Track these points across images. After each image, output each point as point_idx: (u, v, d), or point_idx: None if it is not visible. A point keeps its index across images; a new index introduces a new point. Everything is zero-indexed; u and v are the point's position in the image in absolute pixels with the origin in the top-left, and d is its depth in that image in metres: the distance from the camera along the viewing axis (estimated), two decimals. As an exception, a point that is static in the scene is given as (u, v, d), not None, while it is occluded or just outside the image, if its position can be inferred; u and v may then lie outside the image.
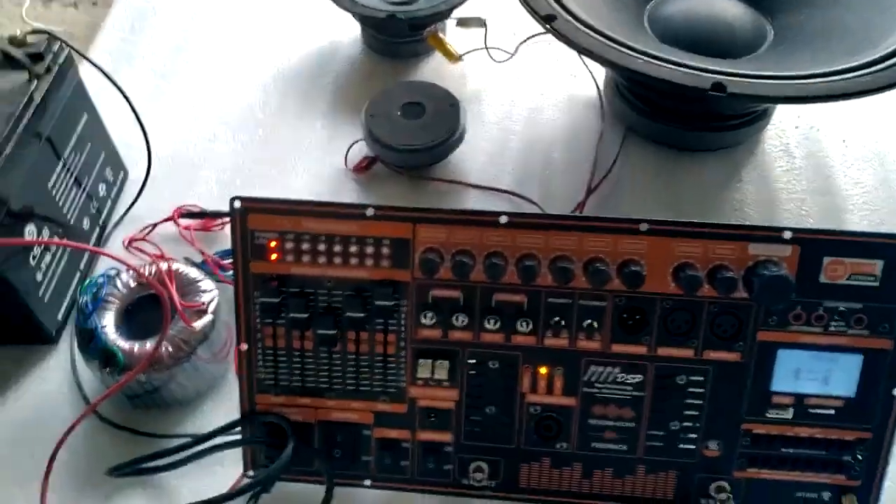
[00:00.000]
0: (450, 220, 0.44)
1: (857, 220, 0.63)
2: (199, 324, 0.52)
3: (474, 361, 0.46)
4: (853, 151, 0.69)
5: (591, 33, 0.57)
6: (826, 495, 0.46)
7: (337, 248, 0.45)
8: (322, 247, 0.45)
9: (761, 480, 0.47)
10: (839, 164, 0.68)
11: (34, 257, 0.55)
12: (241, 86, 0.78)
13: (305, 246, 0.45)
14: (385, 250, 0.45)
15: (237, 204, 0.45)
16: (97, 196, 0.65)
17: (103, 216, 0.65)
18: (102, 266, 0.62)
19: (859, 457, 0.46)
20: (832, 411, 0.45)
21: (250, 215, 0.45)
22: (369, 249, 0.45)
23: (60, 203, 0.59)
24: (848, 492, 0.46)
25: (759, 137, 0.70)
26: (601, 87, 0.73)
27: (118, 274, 0.56)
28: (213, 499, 0.44)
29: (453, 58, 0.74)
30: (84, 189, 0.62)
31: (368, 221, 0.45)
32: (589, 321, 0.45)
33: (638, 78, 0.54)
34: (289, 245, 0.45)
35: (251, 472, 0.50)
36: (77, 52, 0.62)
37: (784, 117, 0.71)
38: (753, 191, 0.66)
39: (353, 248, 0.45)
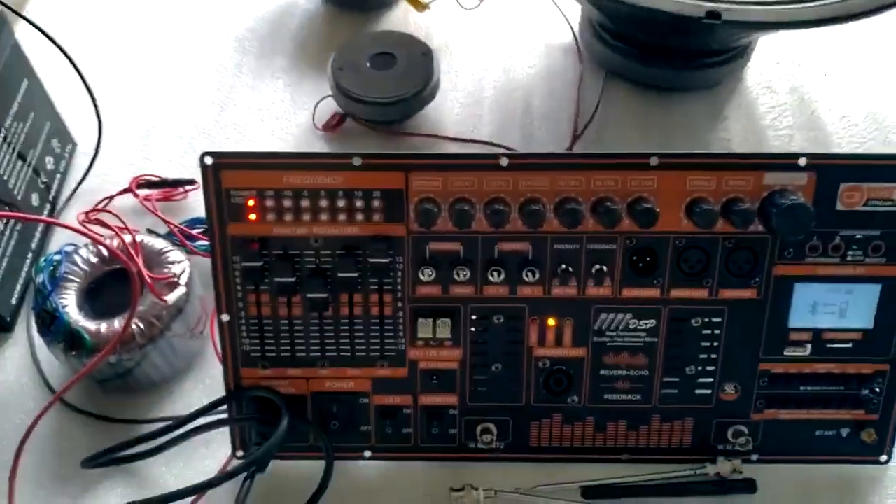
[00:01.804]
0: (446, 165, 0.41)
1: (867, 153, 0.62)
2: (171, 297, 0.48)
3: (478, 317, 0.43)
4: (836, 85, 0.67)
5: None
6: (844, 431, 0.45)
7: (323, 204, 0.41)
8: (306, 203, 0.41)
9: (779, 421, 0.45)
10: (823, 98, 0.66)
11: (-20, 237, 0.50)
12: (194, 46, 0.72)
13: (288, 203, 0.41)
14: (376, 203, 0.41)
15: (208, 160, 0.41)
16: (45, 170, 0.59)
17: (53, 191, 0.60)
18: (56, 244, 0.57)
19: (877, 389, 0.44)
20: (850, 345, 0.44)
21: (224, 172, 0.41)
22: (359, 203, 0.41)
23: (5, 178, 0.54)
24: (866, 426, 0.45)
25: (739, 76, 0.68)
26: (576, 31, 0.70)
27: (76, 250, 0.51)
28: (207, 482, 0.40)
29: (420, 6, 0.70)
30: (29, 163, 0.57)
31: (356, 172, 0.41)
32: (598, 266, 0.42)
33: (631, 10, 0.51)
34: (269, 203, 0.41)
35: (241, 453, 0.46)
36: (11, 9, 0.57)
37: (763, 54, 0.70)
38: (740, 129, 0.64)
39: (340, 203, 0.41)
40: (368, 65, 0.63)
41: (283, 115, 0.67)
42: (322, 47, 0.71)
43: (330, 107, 0.65)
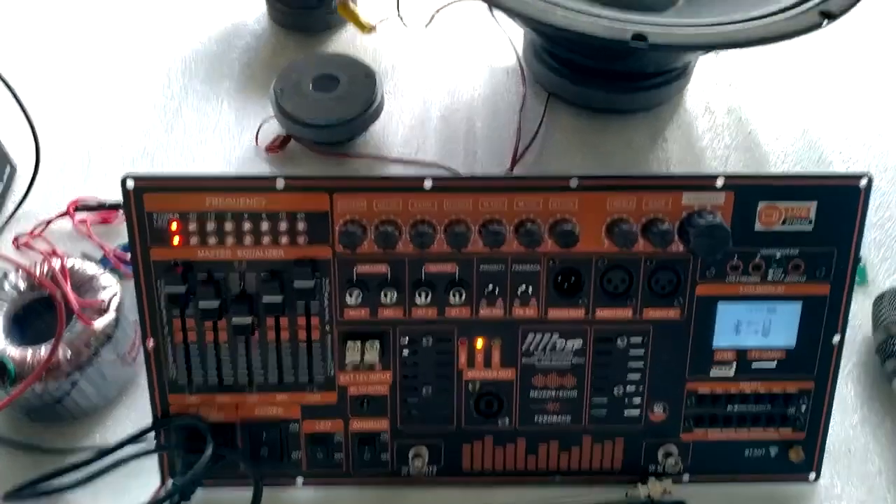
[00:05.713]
0: (370, 187, 0.41)
1: (783, 173, 0.63)
2: (100, 323, 0.48)
3: (407, 340, 0.43)
4: (772, 105, 0.69)
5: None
6: (773, 450, 0.45)
7: (246, 227, 0.41)
8: (229, 226, 0.41)
9: (708, 441, 0.45)
10: (759, 118, 0.67)
11: None
12: (137, 67, 0.72)
13: (211, 226, 0.41)
14: (301, 225, 0.41)
15: (130, 183, 0.40)
16: (-21, 193, 0.58)
17: (-12, 215, 0.59)
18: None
19: (803, 408, 0.45)
20: (774, 364, 0.44)
21: (146, 195, 0.41)
22: (283, 226, 0.41)
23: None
24: (794, 444, 0.45)
25: (680, 96, 0.69)
26: (520, 53, 0.71)
27: (5, 276, 0.50)
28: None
29: (365, 28, 0.70)
30: (-37, 187, 0.56)
31: (280, 194, 0.41)
32: (524, 287, 0.42)
33: (559, 33, 0.51)
34: (192, 226, 0.41)
35: (170, 483, 0.45)
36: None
37: (704, 75, 0.71)
38: (678, 150, 0.65)
39: (264, 226, 0.41)
40: (311, 87, 0.63)
41: (228, 136, 0.66)
42: (268, 69, 0.71)
43: (273, 128, 0.65)
